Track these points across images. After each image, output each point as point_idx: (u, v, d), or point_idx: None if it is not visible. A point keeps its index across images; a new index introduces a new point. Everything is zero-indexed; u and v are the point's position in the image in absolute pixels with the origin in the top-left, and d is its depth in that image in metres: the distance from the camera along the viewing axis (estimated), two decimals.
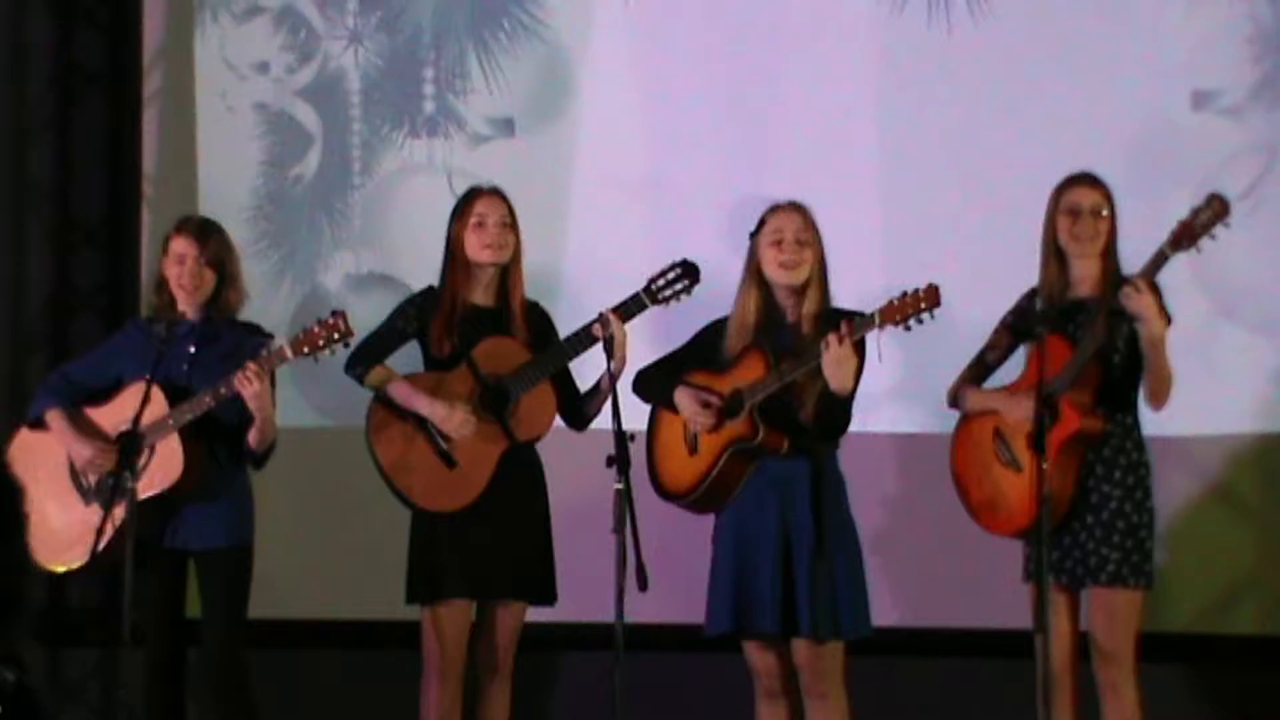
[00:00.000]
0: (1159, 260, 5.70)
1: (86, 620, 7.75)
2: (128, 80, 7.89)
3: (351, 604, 7.40)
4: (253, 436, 6.07)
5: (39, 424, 6.25)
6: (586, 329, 6.01)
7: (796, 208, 5.98)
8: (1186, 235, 5.67)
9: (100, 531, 5.82)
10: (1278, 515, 7.07)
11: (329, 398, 7.14)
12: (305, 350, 5.98)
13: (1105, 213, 5.91)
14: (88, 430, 6.16)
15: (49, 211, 7.99)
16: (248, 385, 5.94)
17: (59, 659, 7.83)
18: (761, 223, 5.97)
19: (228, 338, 6.17)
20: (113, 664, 7.66)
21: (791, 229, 5.93)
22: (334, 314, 6.01)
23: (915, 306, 5.76)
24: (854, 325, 5.75)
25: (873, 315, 5.78)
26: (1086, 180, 5.94)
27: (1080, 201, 5.91)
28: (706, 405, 5.95)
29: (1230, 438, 7.07)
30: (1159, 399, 5.86)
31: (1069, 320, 5.86)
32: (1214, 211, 5.67)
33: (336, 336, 5.98)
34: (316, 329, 5.99)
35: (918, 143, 7.24)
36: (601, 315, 5.96)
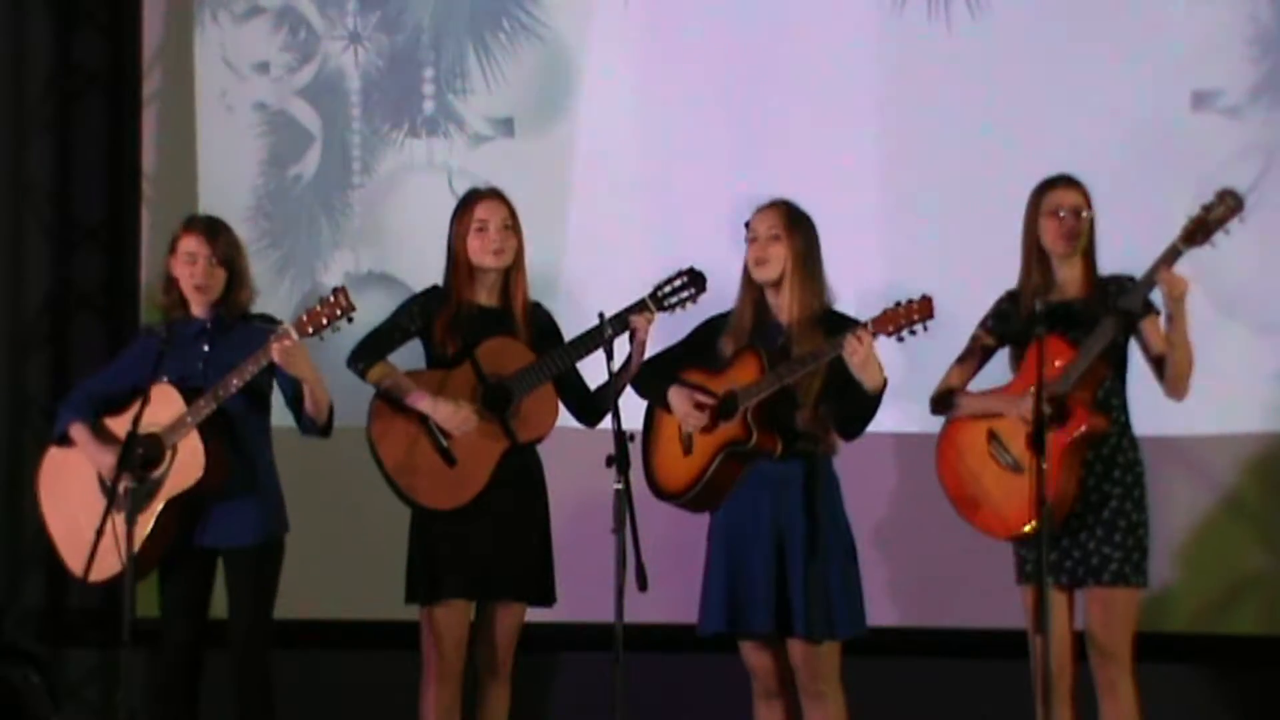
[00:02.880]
0: (1172, 255, 5.71)
1: (86, 620, 7.75)
2: (128, 80, 7.89)
3: (351, 604, 7.40)
4: (307, 405, 6.08)
5: (65, 440, 6.26)
6: (590, 333, 6.01)
7: (775, 205, 5.98)
8: (1200, 230, 5.67)
9: (99, 534, 5.80)
10: (1278, 515, 7.06)
11: (329, 396, 7.14)
12: (310, 330, 5.98)
13: (1086, 213, 5.92)
14: (108, 439, 6.17)
15: (49, 211, 7.99)
16: (286, 354, 5.92)
17: (59, 659, 7.83)
18: (747, 226, 5.98)
19: (240, 332, 6.17)
20: (113, 664, 7.66)
21: (764, 226, 5.94)
22: (335, 291, 6.01)
23: (909, 318, 5.77)
24: (868, 327, 5.75)
25: (866, 324, 5.78)
26: (1066, 181, 5.95)
27: (1064, 203, 5.92)
28: (700, 406, 5.95)
29: (1231, 438, 7.06)
30: (1183, 386, 5.84)
31: (1060, 321, 5.86)
32: (1228, 207, 5.68)
33: (339, 313, 5.98)
34: (319, 308, 5.99)
35: (917, 142, 7.24)
36: (602, 317, 5.95)
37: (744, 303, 6.00)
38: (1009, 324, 5.97)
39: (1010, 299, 6.01)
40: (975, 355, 6.06)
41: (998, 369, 6.08)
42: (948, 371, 6.08)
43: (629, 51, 7.49)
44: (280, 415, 6.22)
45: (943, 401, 6.06)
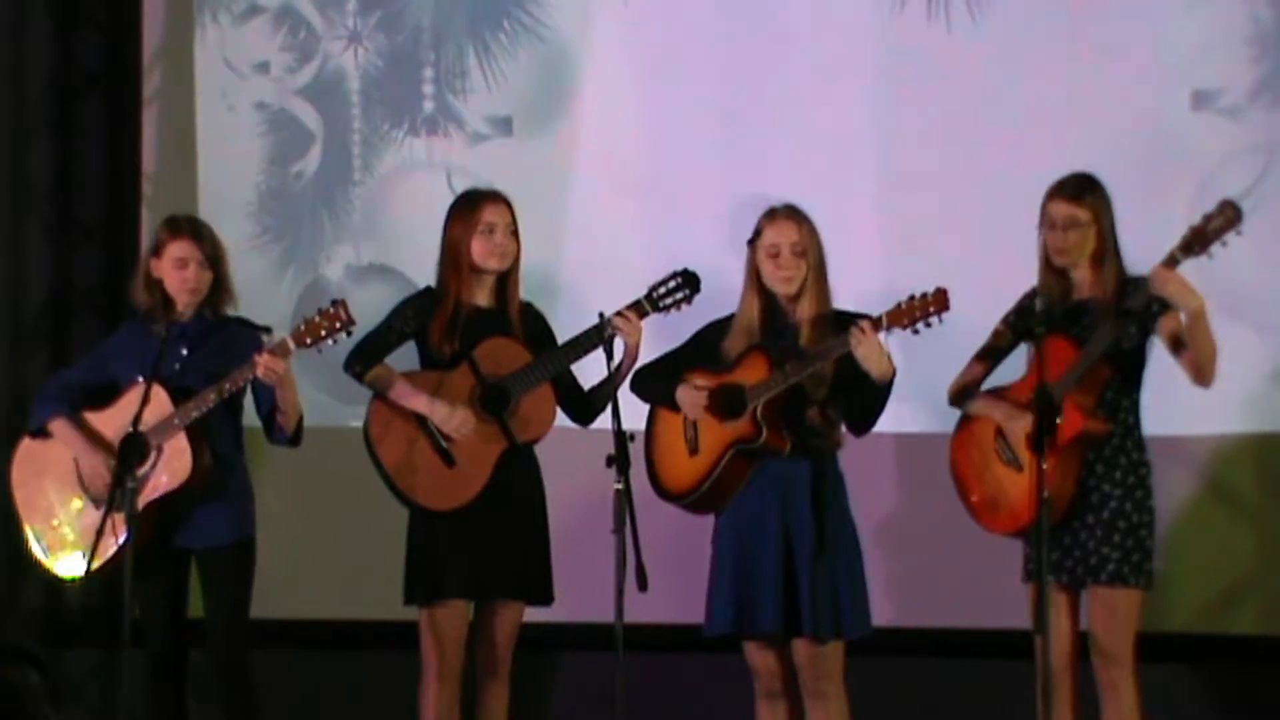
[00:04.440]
0: (1170, 264, 5.69)
1: (86, 620, 7.75)
2: (128, 80, 7.89)
3: (351, 604, 7.39)
4: (279, 418, 6.09)
5: (41, 433, 6.26)
6: (589, 332, 6.01)
7: (791, 217, 5.97)
8: (1198, 240, 5.66)
9: (100, 534, 5.81)
10: (1278, 515, 7.06)
11: (328, 397, 7.14)
12: (308, 341, 5.99)
13: (1085, 222, 5.89)
14: (93, 437, 6.17)
15: (49, 211, 7.99)
16: (272, 374, 5.95)
17: (59, 659, 7.83)
18: (758, 232, 5.97)
19: (219, 334, 6.18)
20: (113, 664, 7.66)
21: (787, 243, 5.94)
22: (334, 303, 6.02)
23: (924, 310, 5.78)
24: (874, 322, 5.76)
25: (880, 318, 5.79)
26: (1065, 190, 5.92)
27: (1055, 215, 5.91)
28: (698, 389, 5.94)
29: (1230, 438, 7.06)
30: (1206, 374, 5.82)
31: (1073, 322, 5.86)
32: (1226, 218, 5.66)
33: (339, 325, 5.98)
34: (318, 319, 6.00)
35: (917, 143, 7.23)
36: (601, 317, 5.96)
37: (750, 304, 5.99)
38: (1026, 320, 5.95)
39: (1033, 295, 5.97)
40: (994, 349, 6.06)
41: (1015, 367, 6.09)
42: (967, 365, 6.07)
43: (629, 51, 7.49)
44: None
45: (960, 396, 6.05)
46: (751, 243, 5.98)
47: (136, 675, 6.11)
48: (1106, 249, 5.91)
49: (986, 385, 6.07)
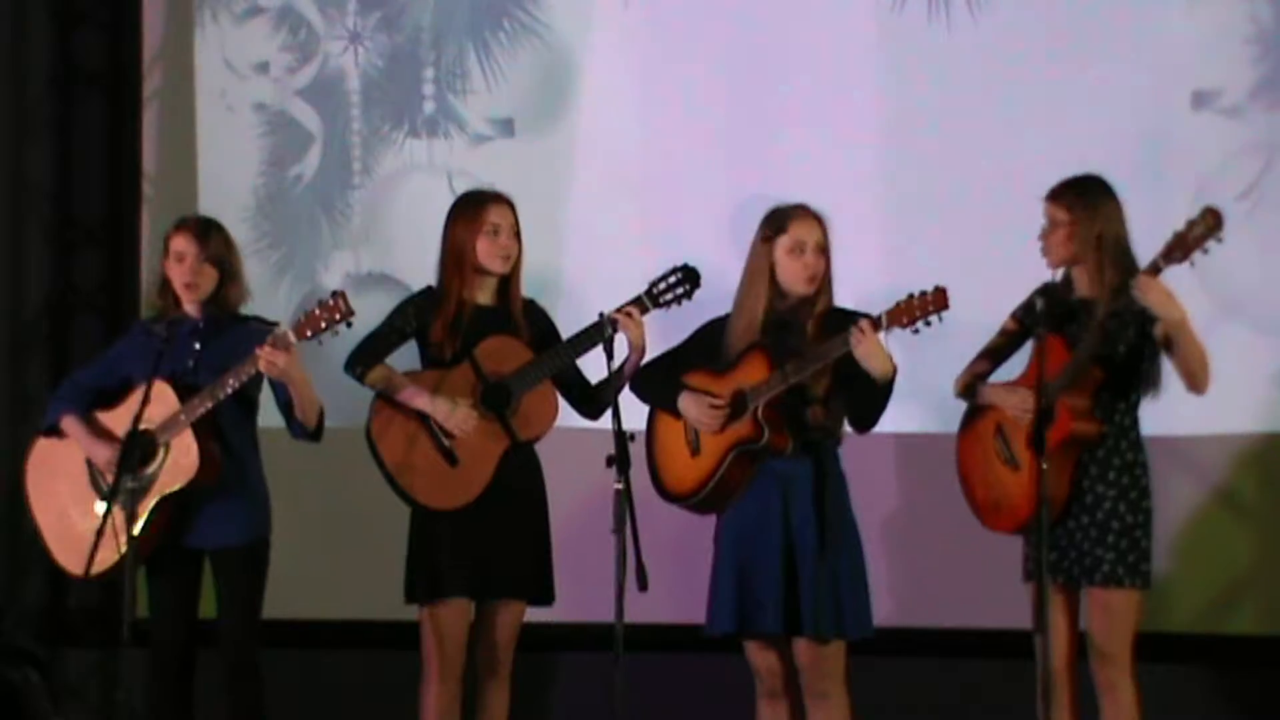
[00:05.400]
0: (1153, 271, 5.69)
1: (86, 620, 7.75)
2: (128, 80, 7.90)
3: (351, 604, 7.40)
4: (296, 411, 6.09)
5: (54, 432, 6.27)
6: (589, 330, 6.01)
7: (816, 216, 5.96)
8: (1179, 248, 5.66)
9: (100, 534, 5.81)
10: (1278, 515, 7.06)
11: (329, 398, 7.13)
12: (308, 333, 5.99)
13: (1062, 221, 5.87)
14: (103, 432, 6.17)
15: (49, 211, 8.00)
16: (273, 367, 5.95)
17: (59, 659, 7.83)
18: (781, 229, 5.94)
19: (232, 332, 6.19)
20: (113, 664, 7.66)
21: (813, 240, 5.93)
22: (334, 295, 6.02)
23: (923, 309, 5.76)
24: (875, 321, 5.76)
25: (879, 317, 5.78)
26: (1051, 190, 5.92)
27: (1046, 216, 5.92)
28: (714, 408, 5.93)
29: (1230, 438, 7.06)
30: (1198, 381, 5.82)
31: (1069, 320, 5.86)
32: (1207, 225, 5.65)
33: (338, 317, 5.99)
34: (318, 311, 6.00)
35: (918, 142, 7.23)
36: (602, 317, 5.97)
37: (756, 302, 5.96)
38: (1031, 317, 5.95)
39: (1042, 292, 5.96)
40: (1000, 344, 6.05)
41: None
42: (974, 358, 6.05)
43: (629, 51, 7.49)
44: (274, 416, 6.22)
45: (968, 390, 6.05)
46: (770, 239, 5.96)
47: (139, 675, 6.12)
48: (1090, 250, 5.88)
49: (991, 381, 6.07)
